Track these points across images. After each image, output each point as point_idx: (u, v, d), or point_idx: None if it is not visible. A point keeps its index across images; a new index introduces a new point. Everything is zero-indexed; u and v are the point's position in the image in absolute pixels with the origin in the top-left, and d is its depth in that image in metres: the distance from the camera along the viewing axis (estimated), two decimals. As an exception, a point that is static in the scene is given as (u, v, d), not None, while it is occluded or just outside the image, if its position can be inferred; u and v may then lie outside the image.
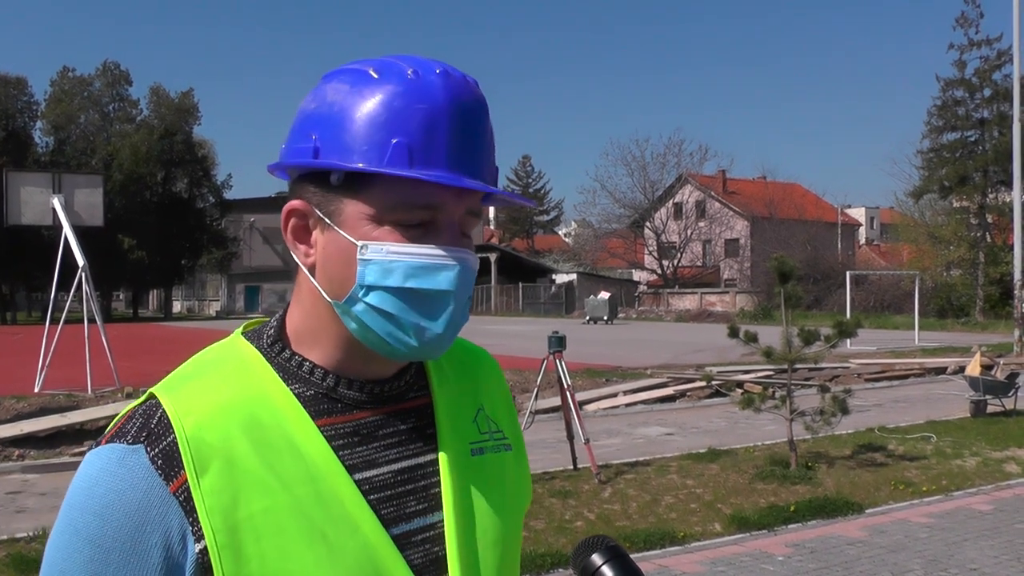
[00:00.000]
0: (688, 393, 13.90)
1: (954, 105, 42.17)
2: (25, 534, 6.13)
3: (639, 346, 24.19)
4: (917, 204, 45.11)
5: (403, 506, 0.95)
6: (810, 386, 12.50)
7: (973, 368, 12.33)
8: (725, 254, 61.03)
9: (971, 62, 41.23)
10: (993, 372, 12.46)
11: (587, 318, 40.74)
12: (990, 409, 11.52)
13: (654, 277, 60.68)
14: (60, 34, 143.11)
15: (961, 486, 7.72)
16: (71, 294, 13.95)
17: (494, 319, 44.82)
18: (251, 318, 1.09)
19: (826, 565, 5.55)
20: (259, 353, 0.97)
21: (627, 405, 13.00)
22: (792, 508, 6.74)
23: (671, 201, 60.50)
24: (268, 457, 0.89)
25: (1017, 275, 20.62)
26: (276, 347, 0.97)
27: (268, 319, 1.02)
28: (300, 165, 0.93)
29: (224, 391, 0.92)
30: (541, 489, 7.29)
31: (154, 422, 0.89)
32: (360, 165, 0.88)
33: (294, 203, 0.94)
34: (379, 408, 0.98)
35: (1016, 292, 20.60)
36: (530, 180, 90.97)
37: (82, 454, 8.95)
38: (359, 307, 0.91)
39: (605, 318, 40.08)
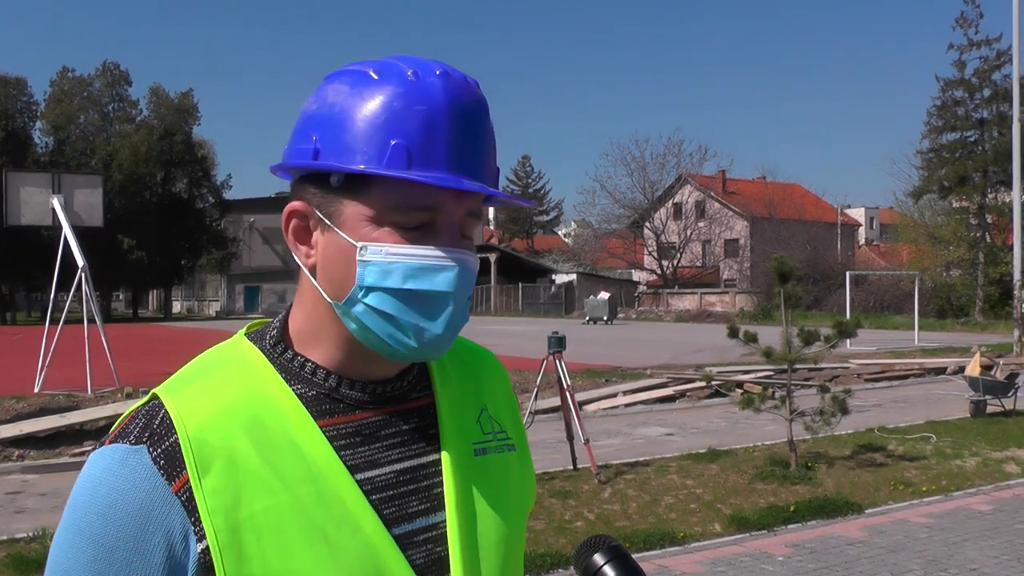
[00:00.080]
0: (688, 393, 13.90)
1: (954, 105, 42.19)
2: (25, 534, 6.12)
3: (639, 346, 24.20)
4: (917, 204, 45.16)
5: (405, 506, 0.95)
6: (810, 386, 12.51)
7: (973, 368, 12.34)
8: (725, 254, 61.03)
9: (971, 62, 41.32)
10: (993, 372, 12.47)
11: (587, 318, 40.77)
12: (990, 409, 11.52)
13: (654, 277, 60.68)
14: (60, 34, 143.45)
15: (961, 486, 7.72)
16: (71, 294, 13.95)
17: (494, 319, 44.83)
18: (251, 318, 1.10)
19: (826, 565, 5.55)
20: (261, 354, 0.97)
21: (627, 405, 12.99)
22: (792, 508, 6.75)
23: (671, 201, 60.51)
24: (270, 457, 0.89)
25: (1017, 275, 20.63)
26: (278, 348, 0.97)
27: (271, 320, 1.03)
28: (301, 166, 0.93)
29: (226, 392, 0.92)
30: (541, 489, 7.29)
31: (156, 423, 0.89)
32: (359, 167, 0.88)
33: (295, 204, 0.95)
34: (381, 408, 0.98)
35: (1016, 292, 20.61)
36: (530, 180, 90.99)
37: (82, 454, 8.97)
38: (359, 308, 0.92)
39: (605, 318, 40.09)
